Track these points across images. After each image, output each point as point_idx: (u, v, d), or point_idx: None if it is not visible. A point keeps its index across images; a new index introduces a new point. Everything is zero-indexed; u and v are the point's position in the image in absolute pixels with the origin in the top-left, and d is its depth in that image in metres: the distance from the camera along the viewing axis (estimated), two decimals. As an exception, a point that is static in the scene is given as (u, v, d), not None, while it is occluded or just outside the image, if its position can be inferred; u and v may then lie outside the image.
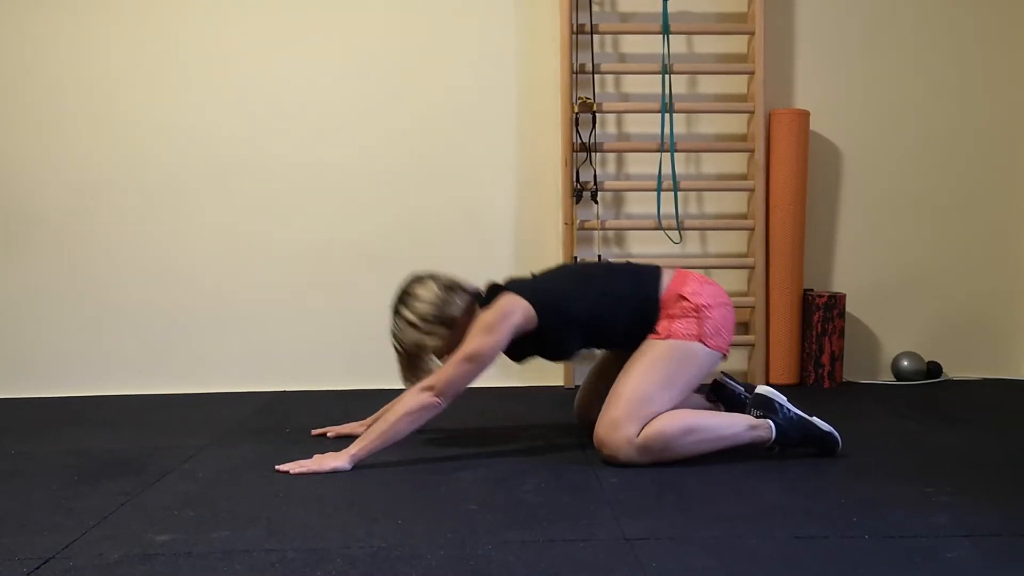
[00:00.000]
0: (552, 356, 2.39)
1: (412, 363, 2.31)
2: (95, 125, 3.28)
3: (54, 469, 2.23)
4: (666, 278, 2.31)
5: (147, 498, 1.98)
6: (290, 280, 3.33)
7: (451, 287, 2.30)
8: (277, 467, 2.16)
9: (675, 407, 2.34)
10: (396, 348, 2.31)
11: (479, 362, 2.18)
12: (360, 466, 2.17)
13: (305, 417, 2.77)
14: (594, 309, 2.27)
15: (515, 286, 2.29)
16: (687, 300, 2.24)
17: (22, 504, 1.95)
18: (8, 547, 1.68)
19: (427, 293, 2.27)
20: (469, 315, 2.28)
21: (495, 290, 2.32)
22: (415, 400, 2.15)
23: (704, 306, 2.24)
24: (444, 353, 2.28)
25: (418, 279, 2.32)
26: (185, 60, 3.28)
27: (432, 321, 2.25)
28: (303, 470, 2.14)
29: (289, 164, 3.31)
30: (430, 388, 2.16)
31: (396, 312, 2.29)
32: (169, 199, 3.30)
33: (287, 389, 3.32)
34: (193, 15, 3.27)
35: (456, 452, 2.35)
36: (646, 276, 2.33)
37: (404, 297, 2.29)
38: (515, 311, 2.21)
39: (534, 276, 2.40)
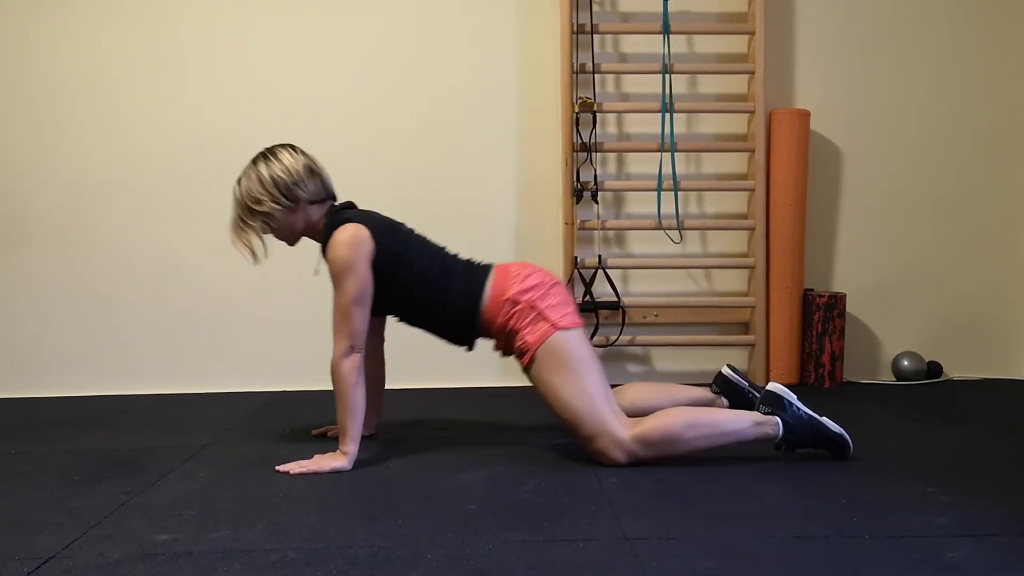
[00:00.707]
0: (383, 310, 2.35)
1: (243, 218, 2.26)
2: (95, 125, 3.28)
3: (54, 469, 2.23)
4: (490, 279, 2.28)
5: (147, 498, 1.98)
6: (290, 280, 3.32)
7: (313, 171, 2.27)
8: (277, 467, 2.16)
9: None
10: (235, 196, 2.27)
11: (364, 300, 2.18)
12: (360, 466, 2.17)
13: (305, 417, 2.77)
14: (423, 287, 2.26)
15: (366, 219, 2.26)
16: (519, 303, 2.23)
17: (22, 504, 1.95)
18: (8, 547, 1.68)
19: (289, 162, 2.25)
20: (314, 210, 2.27)
21: (345, 212, 2.28)
22: (346, 368, 2.17)
23: (539, 299, 2.22)
24: (271, 226, 2.26)
25: (290, 146, 2.30)
26: (185, 60, 3.28)
27: (280, 188, 2.22)
28: (303, 470, 2.14)
29: (289, 164, 3.30)
30: (348, 350, 2.17)
31: (253, 163, 2.27)
32: (169, 199, 3.30)
33: (287, 389, 3.32)
34: (193, 15, 3.27)
35: (456, 452, 2.35)
36: (477, 275, 2.29)
37: (268, 154, 2.27)
38: (363, 242, 2.19)
39: (392, 220, 2.35)
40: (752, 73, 3.31)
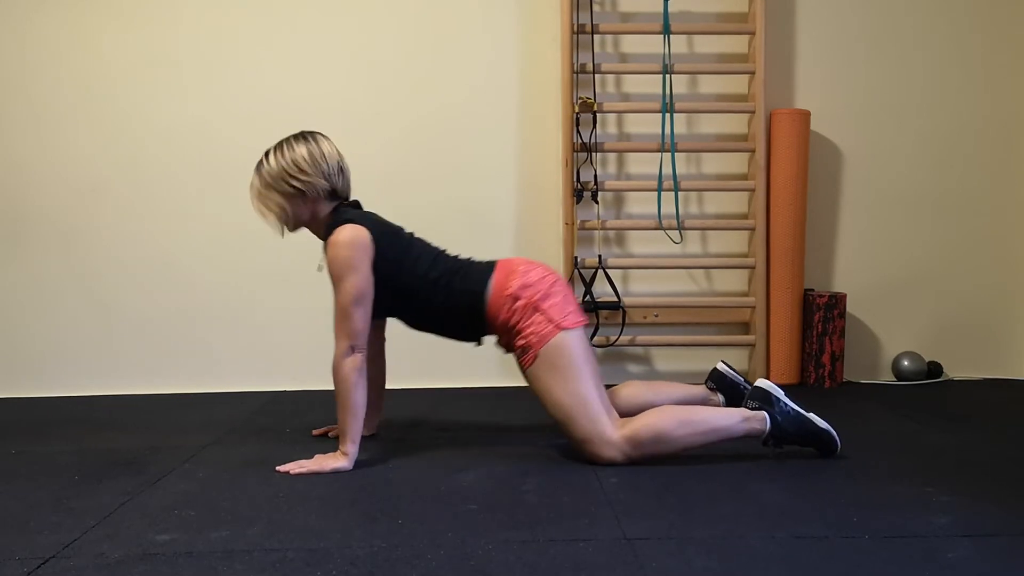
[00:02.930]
0: (384, 311, 2.35)
1: (258, 197, 2.27)
2: (95, 126, 3.28)
3: (54, 469, 2.23)
4: (493, 275, 2.27)
5: (147, 498, 1.98)
6: (290, 279, 3.32)
7: (343, 169, 2.28)
8: (278, 467, 2.16)
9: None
10: (270, 165, 2.25)
11: (364, 300, 2.18)
12: (360, 466, 2.18)
13: (305, 417, 2.78)
14: (424, 289, 2.26)
15: (368, 221, 2.25)
16: (520, 298, 2.23)
17: (23, 504, 1.95)
18: (9, 546, 1.68)
19: (330, 152, 2.26)
20: (322, 206, 2.27)
21: (349, 212, 2.28)
22: (347, 368, 2.17)
23: (540, 297, 2.22)
24: (279, 216, 2.26)
25: (326, 138, 2.30)
26: (185, 62, 3.28)
27: (300, 171, 2.22)
28: (303, 470, 2.14)
29: (290, 164, 3.30)
30: (349, 350, 2.17)
31: (288, 140, 2.27)
32: (169, 199, 3.31)
33: (287, 389, 3.32)
34: (193, 17, 3.27)
35: (456, 452, 2.35)
36: (477, 272, 2.29)
37: (309, 136, 2.28)
38: (365, 244, 2.19)
39: (394, 225, 2.35)
40: (752, 73, 3.31)
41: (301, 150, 2.24)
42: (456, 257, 2.36)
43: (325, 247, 2.24)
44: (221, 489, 2.03)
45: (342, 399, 2.18)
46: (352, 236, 2.19)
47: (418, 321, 2.37)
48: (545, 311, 2.21)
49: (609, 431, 2.15)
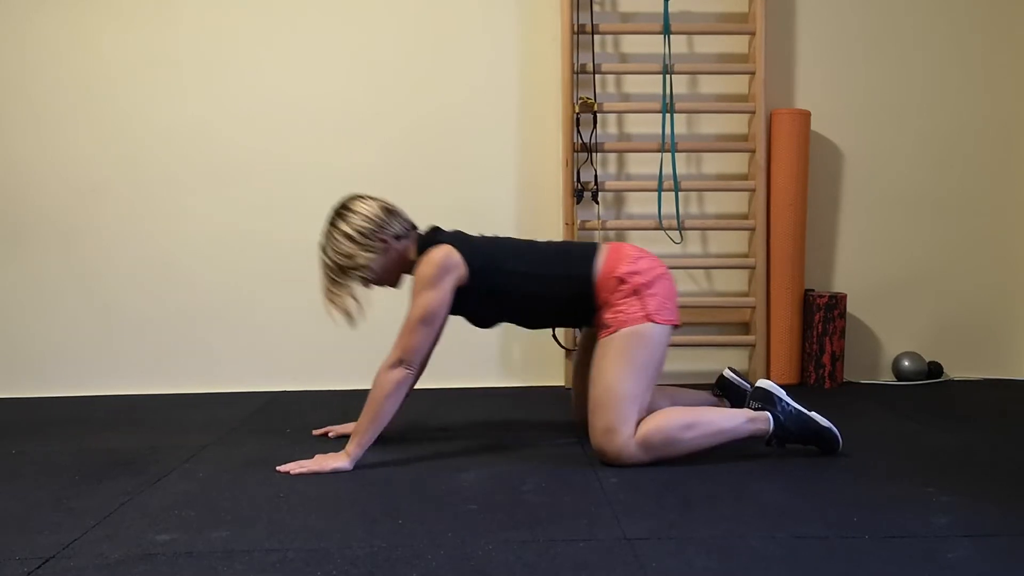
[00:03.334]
0: (473, 320, 2.38)
1: (336, 280, 2.27)
2: (95, 126, 3.28)
3: (54, 469, 2.23)
4: (601, 256, 2.29)
5: (148, 498, 1.98)
6: (290, 280, 3.33)
7: (390, 210, 2.29)
8: (278, 467, 2.16)
9: (677, 404, 2.35)
10: (324, 262, 2.28)
11: (434, 321, 2.19)
12: (361, 466, 2.17)
13: (305, 417, 2.77)
14: (525, 286, 2.27)
15: (454, 239, 2.28)
16: (625, 282, 2.23)
17: (23, 504, 1.95)
18: (9, 546, 1.68)
19: (367, 210, 2.26)
20: (403, 245, 2.28)
21: (433, 235, 2.31)
22: (388, 379, 2.17)
23: (643, 285, 2.22)
24: (370, 276, 2.27)
25: (359, 196, 2.31)
26: (185, 62, 3.28)
27: (368, 237, 2.23)
28: (304, 470, 2.14)
29: (290, 165, 3.31)
30: (397, 362, 2.18)
31: (332, 224, 2.27)
32: (169, 199, 3.30)
33: (287, 389, 3.32)
34: (194, 17, 3.27)
35: (456, 452, 2.35)
36: (581, 256, 2.31)
37: (343, 211, 2.28)
38: (453, 265, 2.21)
39: (477, 236, 2.38)
40: (753, 73, 3.31)
41: (343, 229, 2.24)
42: (548, 242, 2.39)
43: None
44: (221, 489, 2.04)
45: (372, 404, 2.18)
46: (443, 255, 2.21)
47: (532, 318, 2.38)
48: (643, 299, 2.22)
49: (631, 434, 2.15)
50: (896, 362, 3.41)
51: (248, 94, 3.30)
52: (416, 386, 3.19)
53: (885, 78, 3.41)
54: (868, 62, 3.41)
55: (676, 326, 2.28)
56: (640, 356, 2.19)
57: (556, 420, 2.74)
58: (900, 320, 3.48)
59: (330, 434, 2.54)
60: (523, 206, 3.37)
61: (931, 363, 3.40)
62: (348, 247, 2.23)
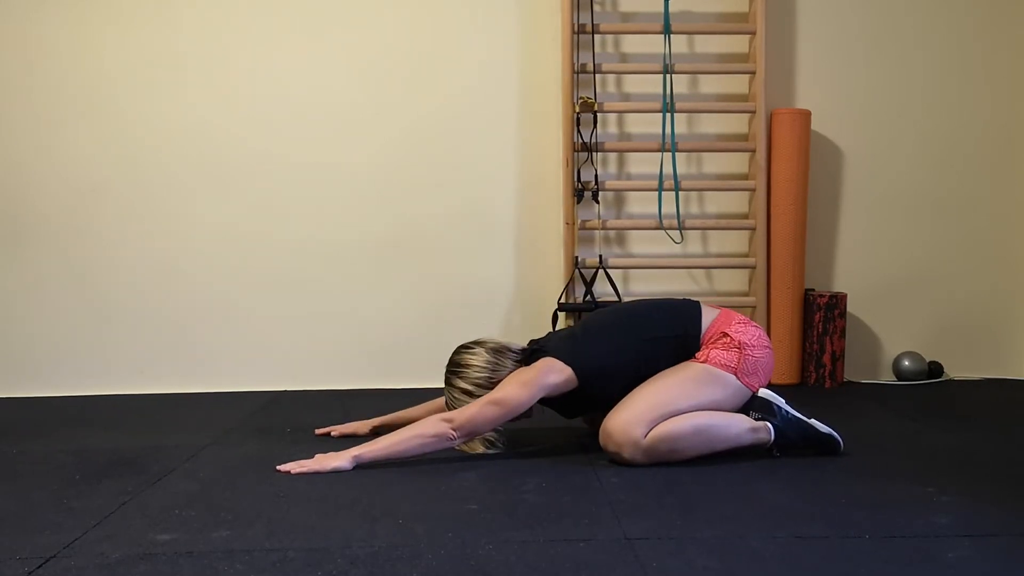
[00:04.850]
0: (602, 408, 2.31)
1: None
2: (95, 125, 3.28)
3: (55, 468, 2.23)
4: (708, 315, 2.32)
5: (148, 498, 1.98)
6: (291, 280, 3.33)
7: (499, 351, 2.33)
8: (278, 467, 2.16)
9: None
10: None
11: (504, 409, 2.18)
12: (360, 466, 2.17)
13: (305, 417, 2.77)
14: (637, 358, 2.28)
15: (557, 349, 2.29)
16: (730, 337, 2.26)
17: (23, 503, 1.95)
18: (9, 546, 1.68)
19: (478, 360, 2.30)
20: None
21: (538, 349, 2.33)
22: (433, 427, 2.17)
23: (747, 344, 2.25)
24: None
25: (467, 348, 2.35)
26: (185, 63, 3.28)
27: (485, 386, 2.27)
28: (304, 470, 2.14)
29: (290, 164, 3.31)
30: (450, 420, 2.18)
31: (450, 383, 2.32)
32: (169, 199, 3.31)
33: (287, 389, 3.32)
34: (194, 18, 3.27)
35: (456, 452, 2.35)
36: (686, 313, 2.33)
37: (456, 368, 2.32)
38: (553, 373, 2.23)
39: (572, 333, 2.38)
40: (753, 73, 3.30)
41: (462, 386, 2.28)
42: (638, 304, 2.43)
43: None
44: (222, 489, 2.03)
45: (403, 434, 2.18)
46: (547, 365, 2.24)
47: (641, 379, 2.30)
48: (743, 354, 2.23)
49: (643, 435, 2.15)
50: (896, 362, 3.41)
51: (248, 94, 3.30)
52: (416, 386, 3.22)
53: (885, 78, 3.41)
54: (868, 62, 3.41)
55: (754, 393, 2.28)
56: (704, 391, 2.20)
57: (556, 420, 2.74)
58: (900, 320, 3.48)
59: (333, 433, 2.54)
60: (523, 206, 3.37)
61: (931, 363, 3.40)
62: (470, 401, 2.25)
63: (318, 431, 2.57)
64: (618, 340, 2.31)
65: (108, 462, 2.28)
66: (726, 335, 2.26)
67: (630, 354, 2.28)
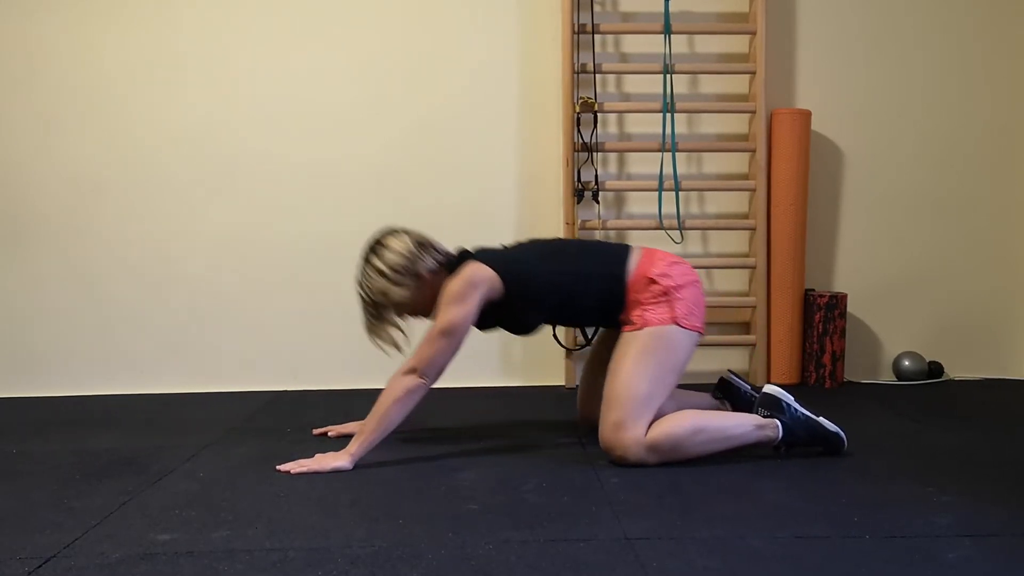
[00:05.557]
0: (514, 329, 2.40)
1: (375, 314, 2.29)
2: (97, 125, 3.28)
3: (55, 468, 2.23)
4: (634, 257, 2.32)
5: (148, 497, 1.98)
6: (291, 280, 3.33)
7: (423, 244, 2.31)
8: (278, 467, 2.17)
9: (681, 406, 2.35)
10: (361, 296, 2.30)
11: (455, 335, 2.19)
12: (361, 466, 2.17)
13: (305, 417, 2.77)
14: (560, 285, 2.29)
15: (484, 255, 2.30)
16: (656, 283, 2.25)
17: (23, 503, 1.95)
18: (9, 546, 1.68)
19: (399, 245, 2.28)
20: (437, 275, 2.29)
21: (464, 256, 2.33)
22: (401, 385, 2.17)
23: (673, 288, 2.25)
24: (407, 310, 2.30)
25: (392, 231, 2.33)
26: (186, 62, 3.28)
27: (401, 272, 2.25)
28: (304, 470, 2.14)
29: (291, 164, 3.31)
30: (413, 370, 2.18)
31: (366, 260, 2.29)
32: (170, 199, 3.30)
33: (287, 389, 3.32)
34: (194, 18, 3.27)
35: (456, 452, 2.35)
36: (614, 254, 2.33)
37: (376, 247, 2.30)
38: (481, 280, 2.22)
39: (504, 247, 2.41)
40: (753, 73, 3.30)
41: (377, 266, 2.26)
42: (579, 241, 2.44)
43: None
44: (222, 489, 2.04)
45: (380, 408, 2.18)
46: (472, 271, 2.23)
47: (564, 317, 2.40)
48: (672, 302, 2.24)
49: (642, 434, 2.15)
50: (896, 362, 3.41)
51: (249, 94, 3.30)
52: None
53: (885, 78, 3.41)
54: (868, 62, 3.41)
55: (701, 334, 2.30)
56: (662, 357, 2.21)
57: (556, 420, 2.74)
58: (900, 320, 3.48)
59: (330, 433, 2.54)
60: (524, 205, 3.37)
61: (931, 363, 3.40)
62: (382, 283, 2.25)
63: (316, 431, 2.57)
64: (545, 263, 2.31)
65: (108, 462, 2.28)
66: (652, 281, 2.25)
67: (554, 278, 2.29)
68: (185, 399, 3.16)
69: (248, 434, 2.60)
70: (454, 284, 2.22)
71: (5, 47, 3.24)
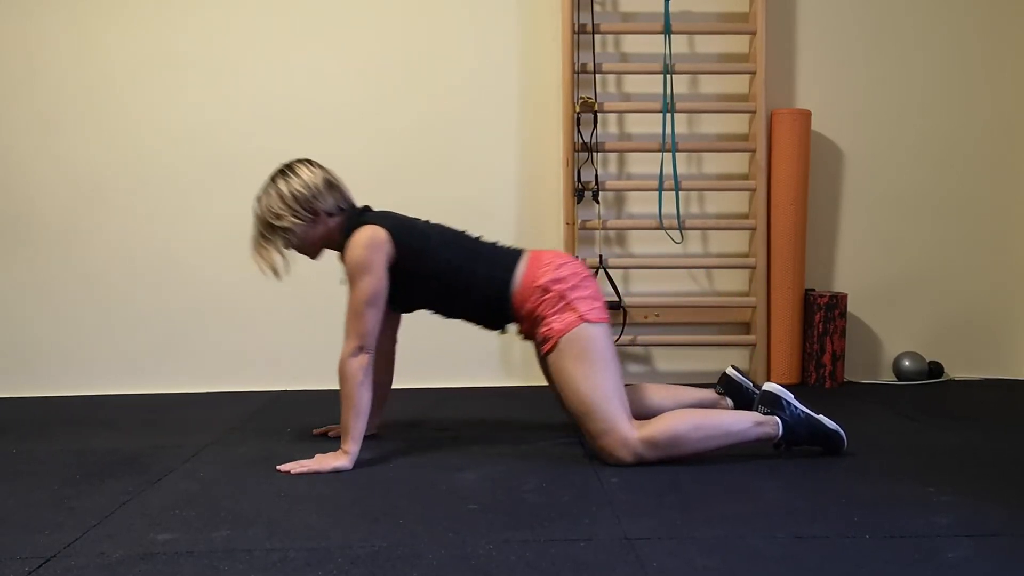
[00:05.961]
0: (394, 303, 2.34)
1: (264, 235, 2.26)
2: (97, 124, 3.28)
3: (55, 468, 2.23)
4: (521, 265, 2.29)
5: (148, 497, 1.98)
6: (291, 280, 3.32)
7: (332, 184, 2.29)
8: (278, 467, 2.17)
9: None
10: (255, 213, 2.28)
11: (377, 301, 2.19)
12: (360, 466, 2.18)
13: (305, 417, 2.77)
14: (447, 273, 2.27)
15: (383, 218, 2.28)
16: (550, 291, 2.23)
17: (23, 503, 1.95)
18: (9, 546, 1.68)
19: (308, 176, 2.26)
20: (333, 220, 2.27)
21: (361, 215, 2.30)
22: (354, 367, 2.18)
23: (568, 290, 2.23)
24: (294, 242, 2.27)
25: (308, 161, 2.31)
26: (186, 62, 3.28)
27: (300, 203, 2.23)
28: (304, 470, 2.14)
29: (290, 164, 3.31)
30: (357, 349, 2.18)
31: (272, 179, 2.28)
32: (171, 198, 3.31)
33: (287, 389, 3.32)
34: (195, 18, 3.27)
35: (456, 452, 2.35)
36: (502, 260, 2.31)
37: (286, 170, 2.28)
38: (380, 243, 2.20)
39: (410, 219, 2.37)
40: (753, 73, 3.31)
41: (280, 188, 2.24)
42: (479, 239, 2.38)
43: (342, 257, 2.26)
44: (222, 488, 2.04)
45: (347, 398, 2.19)
46: (369, 236, 2.21)
47: (443, 307, 2.38)
48: (571, 302, 2.22)
49: (628, 430, 2.15)
50: (896, 362, 3.41)
51: (250, 93, 3.30)
52: (416, 386, 3.22)
53: (886, 78, 3.41)
54: (869, 62, 3.41)
55: (608, 322, 2.28)
56: (592, 356, 2.19)
57: (556, 420, 2.74)
58: (900, 320, 3.48)
59: (330, 433, 2.54)
60: (523, 205, 3.37)
61: (931, 363, 3.40)
62: (279, 207, 2.23)
63: (316, 431, 2.58)
64: (445, 249, 2.29)
65: (108, 462, 2.28)
66: (545, 290, 2.23)
67: (446, 264, 2.27)
68: (185, 399, 3.16)
69: (248, 434, 2.61)
70: (354, 252, 2.19)
71: (5, 47, 3.25)
